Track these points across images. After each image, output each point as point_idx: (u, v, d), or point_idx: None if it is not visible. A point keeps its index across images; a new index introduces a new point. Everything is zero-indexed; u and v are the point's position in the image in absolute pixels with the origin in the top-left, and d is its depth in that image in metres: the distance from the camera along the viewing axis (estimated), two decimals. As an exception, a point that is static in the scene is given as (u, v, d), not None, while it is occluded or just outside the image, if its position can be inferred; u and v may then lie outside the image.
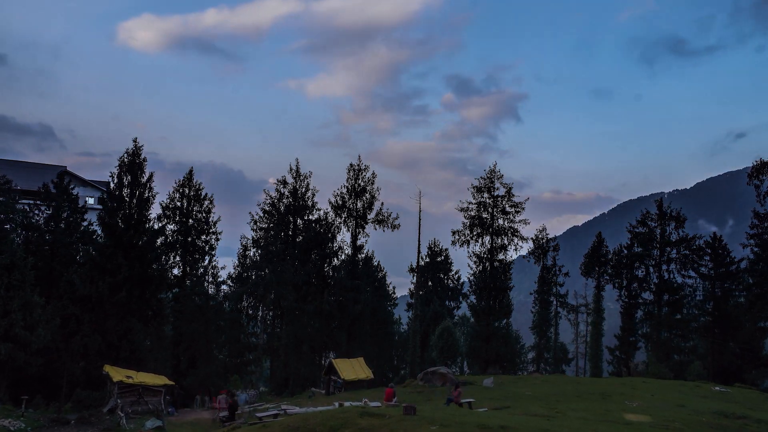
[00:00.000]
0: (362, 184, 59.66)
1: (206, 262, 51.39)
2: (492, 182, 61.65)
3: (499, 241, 61.48)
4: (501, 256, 61.98)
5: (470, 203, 61.98)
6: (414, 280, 63.80)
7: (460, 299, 69.55)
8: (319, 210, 58.90)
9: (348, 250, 59.24)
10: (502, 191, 61.58)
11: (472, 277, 62.65)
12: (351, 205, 59.40)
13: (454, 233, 61.87)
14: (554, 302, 64.64)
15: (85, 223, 46.42)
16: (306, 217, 58.06)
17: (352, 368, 44.61)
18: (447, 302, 69.12)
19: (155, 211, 49.05)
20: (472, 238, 61.59)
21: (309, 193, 58.40)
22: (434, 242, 70.68)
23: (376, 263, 62.52)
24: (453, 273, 69.85)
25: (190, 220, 51.13)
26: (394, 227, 59.35)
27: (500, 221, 61.46)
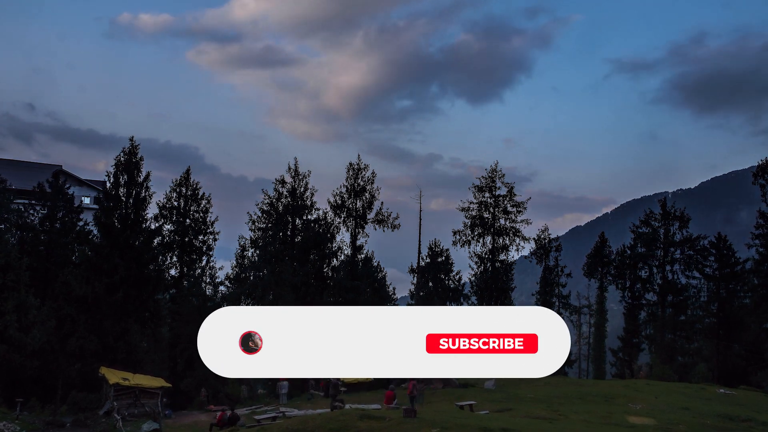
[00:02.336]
0: (362, 183, 59.19)
1: (204, 262, 50.99)
2: (493, 181, 61.37)
3: (501, 241, 61.13)
4: (503, 257, 61.65)
5: (471, 203, 61.79)
6: (414, 281, 63.39)
7: (462, 300, 69.02)
8: (318, 210, 58.40)
9: (347, 251, 58.78)
10: (503, 190, 61.30)
11: (473, 278, 62.31)
12: (350, 205, 58.92)
13: (455, 233, 61.69)
14: (556, 303, 64.00)
15: (80, 223, 45.97)
16: (305, 217, 57.51)
17: (352, 370, 44.03)
18: (448, 303, 68.53)
19: (152, 210, 48.59)
20: (473, 239, 61.32)
21: (308, 193, 57.85)
22: (435, 242, 70.22)
23: (375, 263, 61.99)
24: (454, 273, 69.29)
25: (188, 220, 50.66)
26: (394, 227, 58.95)
27: (502, 221, 61.11)
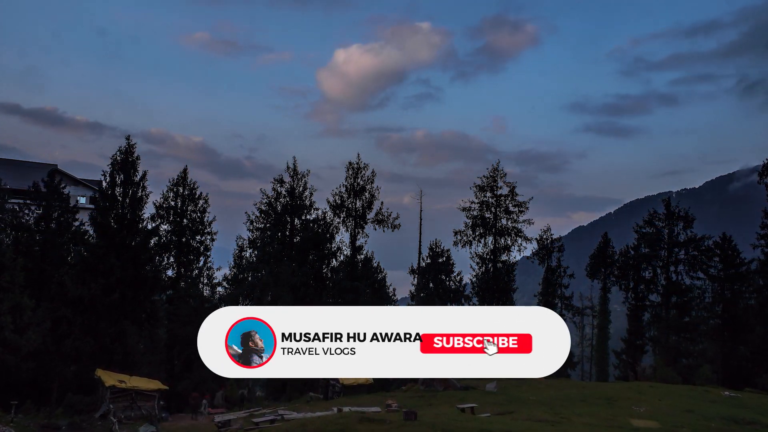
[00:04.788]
0: (361, 182, 58.71)
1: (201, 263, 50.55)
2: (495, 181, 60.86)
3: (503, 241, 60.64)
4: (504, 257, 61.12)
5: (472, 202, 61.29)
6: (415, 282, 62.92)
7: (462, 301, 68.58)
8: (317, 210, 57.95)
9: (347, 251, 58.32)
10: (505, 190, 60.85)
11: (474, 279, 61.81)
12: (350, 205, 58.44)
13: (455, 233, 61.21)
14: (559, 304, 63.45)
15: (76, 223, 45.51)
16: (304, 217, 57.08)
17: (352, 372, 43.59)
18: (449, 304, 68.07)
19: (149, 210, 48.20)
20: (474, 239, 60.84)
21: (307, 192, 57.41)
22: (436, 243, 69.82)
23: (375, 264, 61.53)
24: (455, 274, 68.87)
25: (185, 220, 50.22)
26: (394, 227, 58.50)
27: (503, 221, 60.63)
